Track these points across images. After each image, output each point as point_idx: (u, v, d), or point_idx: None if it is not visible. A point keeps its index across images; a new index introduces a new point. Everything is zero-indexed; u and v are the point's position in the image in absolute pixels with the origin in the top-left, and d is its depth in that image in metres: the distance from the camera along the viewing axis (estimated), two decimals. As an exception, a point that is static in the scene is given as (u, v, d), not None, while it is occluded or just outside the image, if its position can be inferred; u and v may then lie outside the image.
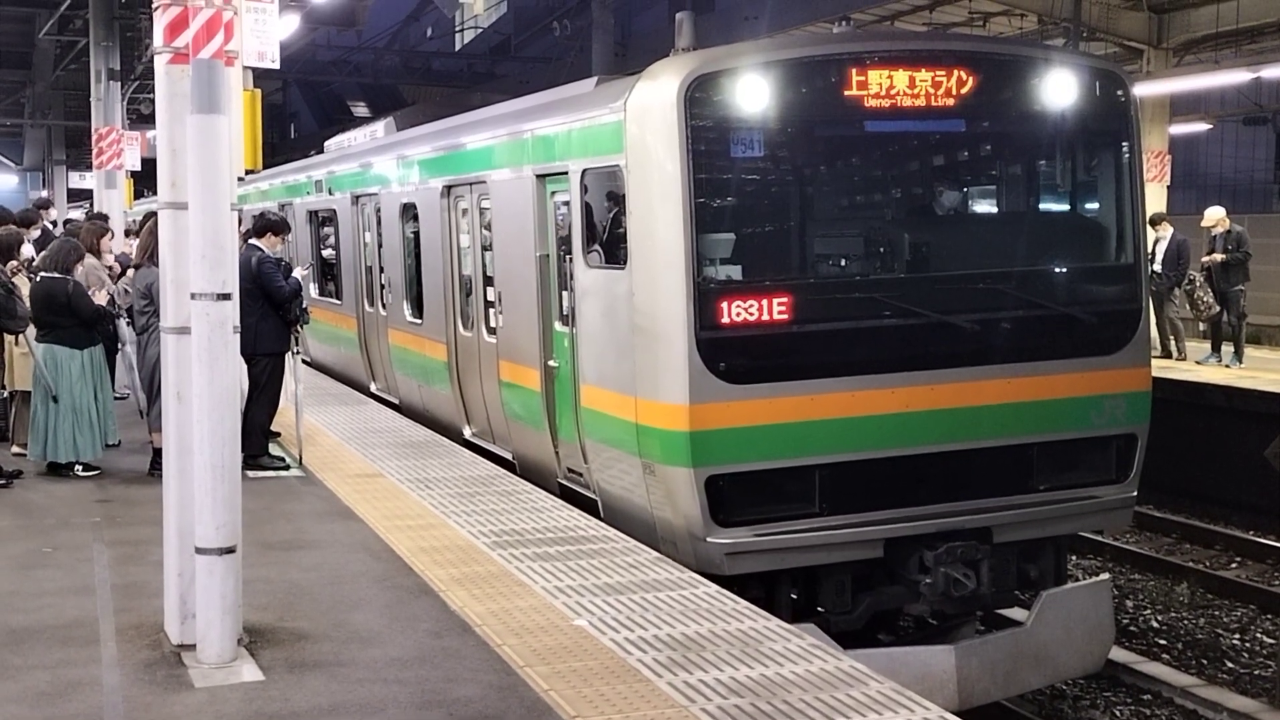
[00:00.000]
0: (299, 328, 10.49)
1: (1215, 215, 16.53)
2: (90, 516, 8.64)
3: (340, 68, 39.72)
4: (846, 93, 8.11)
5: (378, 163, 14.33)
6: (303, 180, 18.08)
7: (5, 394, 10.15)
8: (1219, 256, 16.30)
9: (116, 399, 11.16)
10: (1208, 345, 17.20)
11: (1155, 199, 18.75)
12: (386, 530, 8.11)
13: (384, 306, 14.03)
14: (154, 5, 6.12)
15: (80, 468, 9.84)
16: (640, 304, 8.05)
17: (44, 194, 35.24)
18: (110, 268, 11.92)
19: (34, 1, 24.36)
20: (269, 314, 10.07)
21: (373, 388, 14.85)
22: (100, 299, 10.20)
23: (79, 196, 38.32)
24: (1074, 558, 12.54)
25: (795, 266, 8.49)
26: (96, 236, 11.59)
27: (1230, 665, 10.54)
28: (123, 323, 11.33)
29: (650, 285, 7.98)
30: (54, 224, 17.54)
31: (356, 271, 15.12)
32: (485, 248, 10.99)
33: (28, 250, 10.25)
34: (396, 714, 5.21)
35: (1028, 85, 8.65)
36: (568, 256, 9.13)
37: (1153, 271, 15.78)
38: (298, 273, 10.72)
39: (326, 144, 19.66)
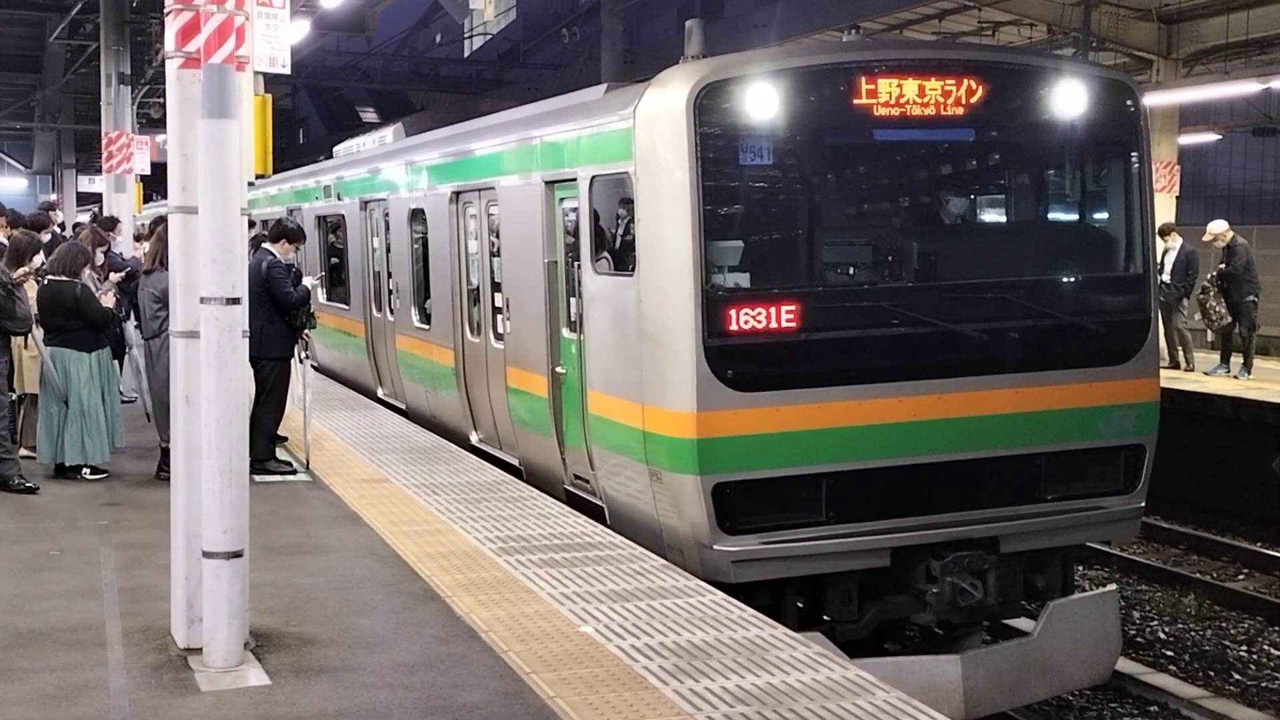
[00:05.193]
0: (306, 333, 10.51)
1: (1215, 230, 16.44)
2: (97, 519, 8.65)
3: (350, 73, 39.82)
4: (855, 101, 8.11)
5: (386, 168, 14.35)
6: (311, 185, 18.10)
7: (14, 397, 10.16)
8: (1220, 267, 16.25)
9: (124, 402, 11.16)
10: (1216, 356, 17.16)
11: (1164, 209, 18.72)
12: (393, 535, 8.11)
13: (391, 312, 14.04)
14: (165, 10, 6.14)
15: (88, 470, 9.86)
16: (648, 311, 8.05)
17: (51, 197, 35.32)
18: (99, 269, 11.79)
19: (45, 5, 24.44)
20: (275, 318, 10.07)
21: (380, 393, 14.86)
22: (108, 302, 10.22)
23: (88, 200, 38.40)
24: (1081, 568, 12.51)
25: (803, 274, 8.49)
26: (92, 245, 11.48)
27: (1238, 677, 10.51)
28: (129, 325, 11.32)
29: (658, 292, 7.98)
30: (61, 227, 17.55)
31: (364, 277, 15.14)
32: (493, 254, 11.01)
33: (38, 258, 10.24)
34: (402, 719, 5.21)
35: (1037, 95, 8.64)
36: (576, 263, 9.13)
37: (1161, 282, 15.75)
38: (308, 281, 10.72)
39: (335, 149, 19.68)
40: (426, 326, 12.77)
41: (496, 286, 10.87)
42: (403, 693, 5.48)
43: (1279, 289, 20.20)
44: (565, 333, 9.45)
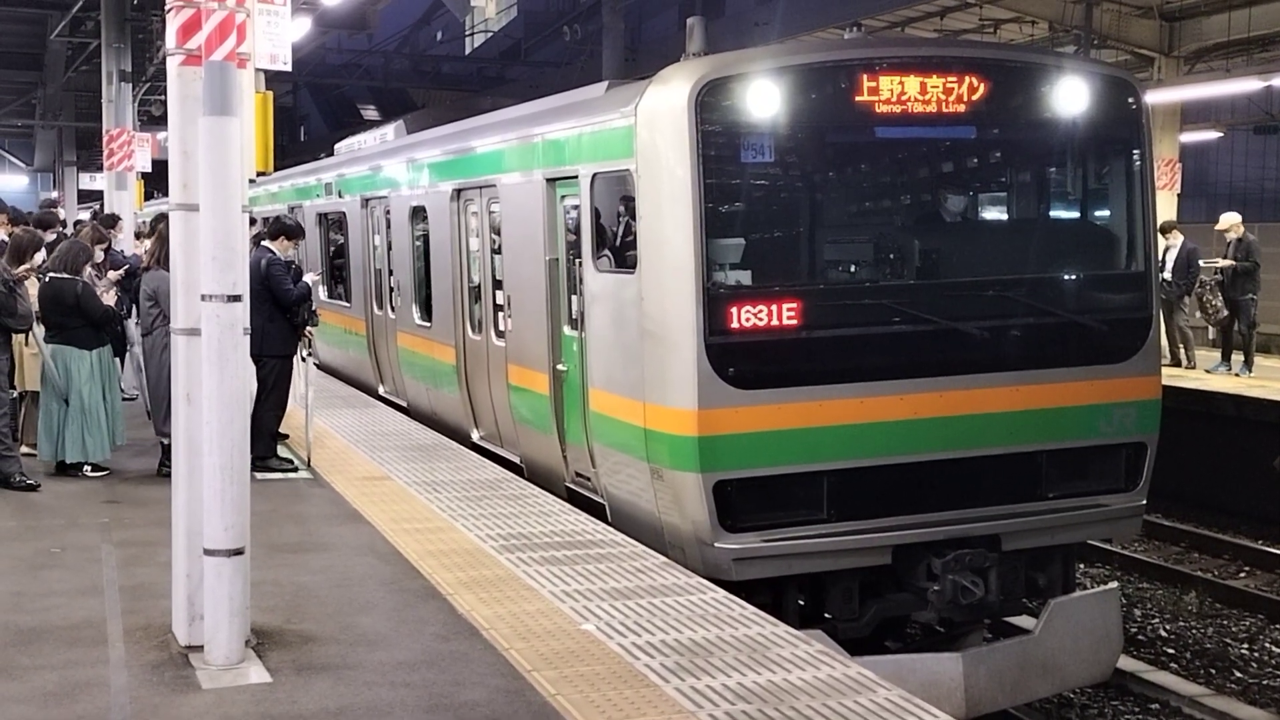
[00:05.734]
0: (308, 331, 10.50)
1: (1229, 220, 16.47)
2: (99, 517, 8.65)
3: (351, 71, 39.81)
4: (857, 98, 8.10)
5: (387, 166, 14.35)
6: (312, 183, 18.10)
7: (15, 394, 10.16)
8: (1221, 262, 16.26)
9: (124, 400, 11.16)
10: (1217, 354, 17.16)
11: (1166, 207, 18.72)
12: (394, 533, 8.11)
13: (393, 309, 14.04)
14: (167, 7, 6.13)
15: (89, 468, 9.86)
16: (649, 309, 8.05)
17: (52, 194, 35.33)
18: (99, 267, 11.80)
19: (46, 3, 24.43)
20: (276, 316, 10.06)
21: (381, 391, 14.86)
22: (108, 299, 10.21)
23: (89, 198, 38.44)
24: (1082, 566, 12.51)
25: (804, 272, 8.49)
26: (92, 242, 11.50)
27: (1239, 675, 10.51)
28: (130, 323, 11.29)
29: (659, 290, 7.98)
30: (64, 224, 17.55)
31: (365, 274, 15.14)
32: (494, 251, 11.00)
33: (39, 256, 10.23)
34: (404, 717, 5.21)
35: (1039, 92, 8.64)
36: (577, 260, 9.13)
37: (1162, 280, 15.74)
38: (308, 278, 10.72)
39: (336, 147, 19.68)
40: (428, 324, 12.77)
41: (498, 284, 10.87)
42: (404, 690, 5.48)
43: (1279, 287, 20.20)
44: (566, 330, 9.45)
